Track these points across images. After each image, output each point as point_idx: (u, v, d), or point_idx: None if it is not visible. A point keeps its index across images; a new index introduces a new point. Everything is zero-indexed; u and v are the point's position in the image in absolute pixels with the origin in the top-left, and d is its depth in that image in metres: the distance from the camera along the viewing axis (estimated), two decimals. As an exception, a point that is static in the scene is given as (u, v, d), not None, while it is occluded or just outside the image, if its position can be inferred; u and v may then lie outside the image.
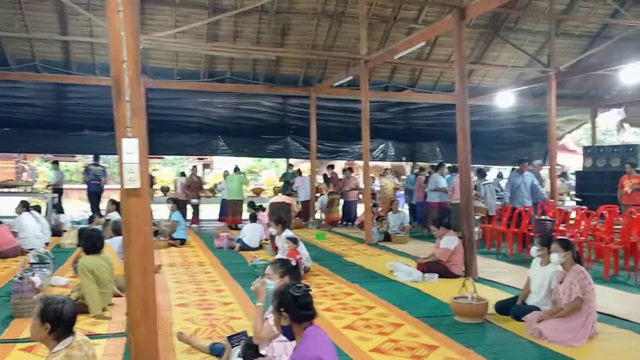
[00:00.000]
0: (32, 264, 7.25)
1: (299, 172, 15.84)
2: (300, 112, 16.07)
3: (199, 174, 27.04)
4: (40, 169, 24.69)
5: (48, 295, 3.19)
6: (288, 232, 8.15)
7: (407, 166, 20.90)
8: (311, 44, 14.32)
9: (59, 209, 12.82)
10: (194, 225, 14.23)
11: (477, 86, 16.21)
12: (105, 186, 14.56)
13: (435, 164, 13.21)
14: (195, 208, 14.58)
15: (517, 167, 10.92)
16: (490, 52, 15.63)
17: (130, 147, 3.40)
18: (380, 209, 14.01)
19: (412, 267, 7.74)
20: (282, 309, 2.95)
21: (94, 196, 14.18)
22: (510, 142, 18.10)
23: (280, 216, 8.65)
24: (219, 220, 14.30)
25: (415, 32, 12.00)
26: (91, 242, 6.03)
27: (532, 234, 9.02)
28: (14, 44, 12.92)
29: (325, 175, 15.59)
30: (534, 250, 5.63)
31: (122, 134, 3.43)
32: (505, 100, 15.70)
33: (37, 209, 11.01)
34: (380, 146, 17.09)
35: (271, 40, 13.87)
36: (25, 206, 10.29)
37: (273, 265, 4.42)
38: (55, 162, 15.59)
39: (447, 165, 13.41)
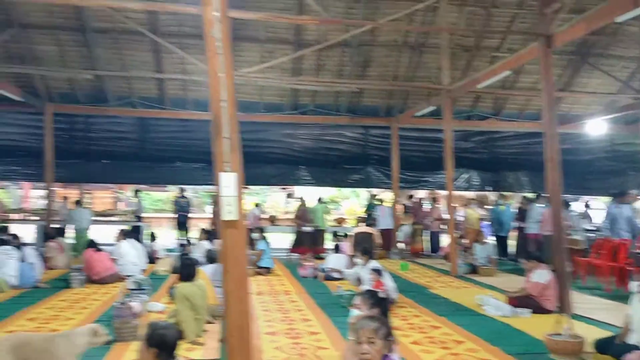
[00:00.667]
0: (130, 289, 7.66)
1: (381, 201, 15.85)
2: (381, 142, 16.16)
3: (282, 203, 27.55)
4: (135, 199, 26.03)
5: (154, 321, 3.40)
6: (373, 263, 8.16)
7: (492, 196, 20.39)
8: (393, 75, 14.43)
9: (152, 236, 13.44)
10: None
11: (566, 114, 15.69)
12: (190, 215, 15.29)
13: (531, 195, 12.99)
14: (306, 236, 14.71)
15: (616, 198, 10.40)
16: (579, 78, 15.12)
17: (229, 181, 3.59)
18: (465, 239, 13.74)
19: (502, 301, 7.53)
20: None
21: (182, 226, 15.12)
22: (602, 171, 17.28)
23: (366, 247, 8.69)
24: (292, 250, 14.34)
25: (499, 60, 11.84)
26: (186, 270, 6.31)
27: (630, 268, 8.55)
28: (113, 82, 13.88)
29: (405, 205, 15.51)
30: (633, 285, 5.35)
31: (220, 169, 3.63)
32: (596, 127, 15.09)
33: (135, 237, 11.62)
34: (464, 175, 16.82)
35: (353, 73, 14.12)
36: (124, 234, 10.89)
37: (362, 296, 4.47)
38: (137, 192, 16.52)
39: (529, 195, 13.05)
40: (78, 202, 14.51)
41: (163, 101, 14.41)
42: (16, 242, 10.03)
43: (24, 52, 12.70)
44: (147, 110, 14.40)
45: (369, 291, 4.83)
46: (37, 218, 14.63)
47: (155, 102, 14.39)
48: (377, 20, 11.79)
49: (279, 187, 25.13)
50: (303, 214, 14.43)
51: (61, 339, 4.29)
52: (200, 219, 19.41)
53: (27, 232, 12.36)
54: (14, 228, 13.30)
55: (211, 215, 15.97)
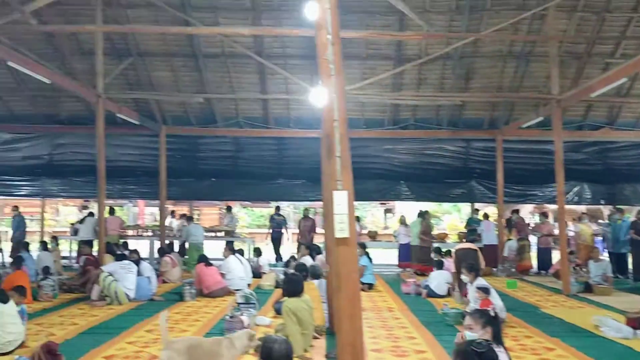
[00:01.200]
0: (239, 303, 7.93)
1: (486, 216, 15.36)
2: (484, 155, 15.72)
3: (381, 218, 27.48)
4: (240, 214, 27.11)
5: (268, 335, 3.52)
6: (480, 281, 7.91)
7: (606, 210, 19.18)
8: (497, 86, 14.05)
9: (257, 252, 13.84)
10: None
11: (689, 121, 14.54)
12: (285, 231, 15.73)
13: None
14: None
15: None
16: None
17: (341, 199, 3.66)
18: (577, 256, 13.01)
19: (621, 323, 7.05)
20: None
21: (277, 242, 15.91)
22: None
23: (472, 264, 8.44)
24: (399, 265, 14.33)
25: (613, 67, 11.20)
26: (292, 286, 6.44)
27: None
28: (222, 104, 14.56)
29: (508, 220, 14.95)
30: None
31: (333, 187, 3.71)
32: None
33: (241, 252, 12.03)
34: (575, 189, 15.95)
35: (455, 85, 13.89)
36: (231, 249, 11.29)
37: (473, 315, 4.36)
38: (229, 208, 17.13)
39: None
40: (190, 218, 15.27)
41: (267, 120, 14.91)
42: (134, 257, 10.70)
43: (141, 79, 13.65)
44: (252, 130, 14.96)
45: (478, 310, 4.70)
46: (151, 234, 15.54)
47: (260, 121, 14.92)
48: (480, 31, 11.58)
49: (379, 202, 25.15)
50: (427, 229, 14.21)
51: (226, 342, 4.69)
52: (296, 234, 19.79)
53: (141, 248, 13.17)
54: (131, 244, 14.20)
55: (297, 231, 16.35)
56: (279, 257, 15.86)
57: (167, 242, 14.28)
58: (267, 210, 28.29)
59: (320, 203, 10.60)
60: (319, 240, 14.90)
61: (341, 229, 3.61)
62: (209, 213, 26.24)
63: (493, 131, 14.76)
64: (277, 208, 16.90)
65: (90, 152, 15.62)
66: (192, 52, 13.08)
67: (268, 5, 12.13)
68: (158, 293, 10.10)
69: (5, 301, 6.14)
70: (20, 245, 12.63)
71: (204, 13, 11.91)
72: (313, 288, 7.16)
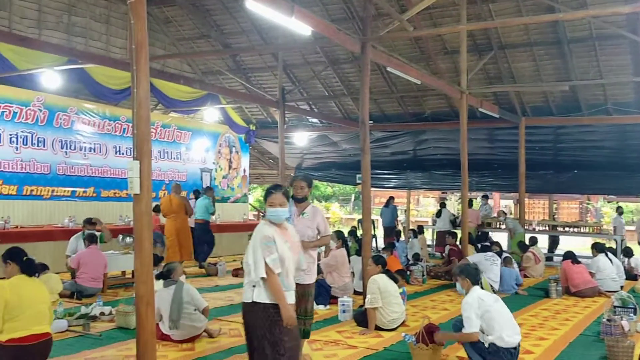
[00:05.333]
0: (615, 307, 7.29)
1: None
2: None
3: None
4: (605, 209, 24.91)
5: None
6: None
7: None
8: None
9: (627, 252, 12.53)
10: None
11: None
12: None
13: None
14: None
15: None
16: None
17: None
18: None
19: None
20: None
21: None
22: None
23: None
24: None
25: None
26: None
27: None
28: (587, 90, 13.52)
29: None
30: None
31: None
32: None
33: (612, 251, 11.04)
34: None
35: None
36: (598, 248, 10.45)
37: None
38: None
39: None
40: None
41: (640, 105, 13.28)
42: (496, 249, 10.80)
43: (502, 71, 13.65)
44: (622, 116, 13.50)
45: None
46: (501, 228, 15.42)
47: (633, 107, 13.36)
48: None
49: None
50: None
51: None
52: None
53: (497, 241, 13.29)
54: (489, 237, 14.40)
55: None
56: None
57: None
58: (635, 205, 25.30)
59: None
60: None
61: None
62: (566, 207, 24.81)
63: None
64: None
65: (449, 147, 16.41)
66: (556, 38, 12.45)
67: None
68: (521, 287, 10.01)
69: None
70: (393, 232, 14.07)
71: (569, -4, 11.23)
72: None
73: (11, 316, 4.33)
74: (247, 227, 14.42)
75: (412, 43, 13.70)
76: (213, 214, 12.52)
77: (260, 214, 18.66)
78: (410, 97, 15.57)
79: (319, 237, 5.23)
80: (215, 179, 16.65)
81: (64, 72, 10.81)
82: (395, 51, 12.06)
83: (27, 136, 11.58)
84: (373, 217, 10.92)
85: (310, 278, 5.04)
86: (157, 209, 11.45)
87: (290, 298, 3.98)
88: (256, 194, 28.09)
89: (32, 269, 4.66)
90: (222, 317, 7.26)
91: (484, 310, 4.92)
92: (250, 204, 20.20)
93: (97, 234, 9.28)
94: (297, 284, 4.26)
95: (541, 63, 13.23)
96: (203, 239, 11.98)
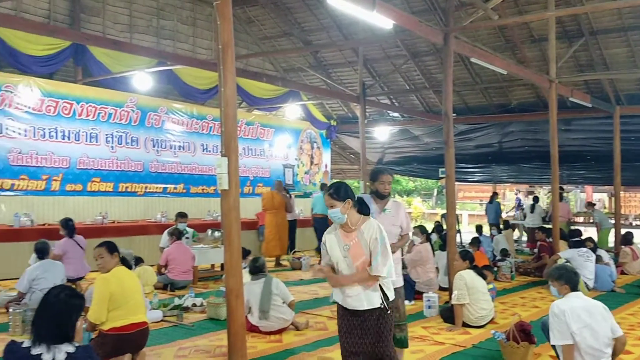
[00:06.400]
0: None
1: None
2: None
3: None
4: None
5: None
6: None
7: None
8: None
9: None
10: None
11: None
12: None
13: None
14: None
15: None
16: None
17: None
18: None
19: None
20: None
21: None
22: None
23: None
24: None
25: None
26: None
27: None
28: None
29: None
30: None
31: None
32: None
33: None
34: None
35: None
36: None
37: None
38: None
39: None
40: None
41: None
42: (590, 245, 10.28)
43: (593, 58, 12.97)
44: None
45: None
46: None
47: None
48: None
49: None
50: None
51: None
52: None
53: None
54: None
55: None
56: None
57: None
58: None
59: None
60: None
61: None
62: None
63: None
64: None
65: (536, 138, 15.78)
66: (652, 22, 11.70)
67: None
68: (617, 285, 9.50)
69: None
70: (498, 229, 13.83)
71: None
72: None
73: (114, 307, 4.59)
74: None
75: (496, 32, 13.28)
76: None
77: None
78: (495, 88, 15.11)
79: (400, 236, 4.84)
80: (297, 174, 16.88)
81: (154, 73, 11.34)
82: (478, 41, 11.73)
83: (121, 136, 12.23)
84: (458, 211, 10.70)
85: (399, 280, 4.73)
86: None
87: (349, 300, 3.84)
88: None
89: (129, 261, 4.94)
90: (307, 311, 7.36)
91: (573, 330, 4.22)
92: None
93: (188, 229, 9.68)
94: None
95: (636, 49, 12.46)
96: (323, 231, 12.43)
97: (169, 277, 8.80)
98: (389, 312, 3.79)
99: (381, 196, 4.76)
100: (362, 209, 3.90)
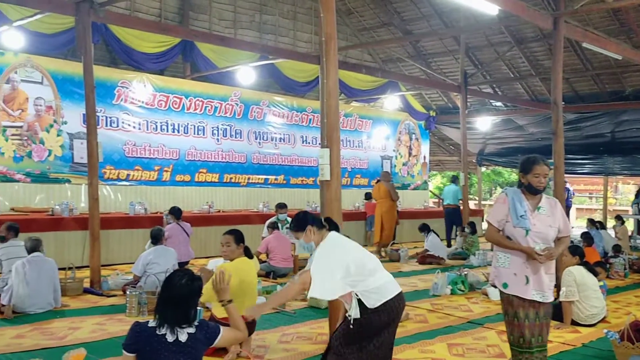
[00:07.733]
0: None
1: None
2: None
3: None
4: None
5: None
6: None
7: None
8: None
9: None
10: None
11: None
12: None
13: None
14: None
15: None
16: None
17: None
18: None
19: None
20: None
21: None
22: None
23: None
24: None
25: None
26: None
27: None
28: None
29: None
30: None
31: None
32: None
33: None
34: None
35: None
36: None
37: None
38: None
39: None
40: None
41: None
42: None
43: None
44: None
45: None
46: None
47: None
48: None
49: None
50: None
51: None
52: None
53: None
54: None
55: None
56: None
57: None
58: None
59: None
60: None
61: None
62: None
63: None
64: None
65: (655, 128, 14.70)
66: None
67: None
68: None
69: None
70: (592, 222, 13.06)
71: None
72: None
73: (236, 295, 4.81)
74: (427, 215, 14.59)
75: (609, 15, 12.45)
76: (461, 200, 13.12)
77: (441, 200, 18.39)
78: (608, 74, 14.21)
79: (557, 239, 3.93)
80: (395, 166, 16.76)
81: (257, 67, 11.67)
82: (589, 25, 11.09)
83: (226, 129, 12.71)
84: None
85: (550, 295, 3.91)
86: (368, 197, 13.16)
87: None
88: (436, 181, 27.75)
89: (251, 252, 5.25)
90: (407, 303, 7.29)
91: None
92: (430, 191, 20.00)
93: (288, 218, 9.88)
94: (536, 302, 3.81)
95: None
96: (454, 222, 13.24)
97: (271, 265, 9.06)
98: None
99: (534, 191, 3.86)
100: (331, 226, 4.02)
